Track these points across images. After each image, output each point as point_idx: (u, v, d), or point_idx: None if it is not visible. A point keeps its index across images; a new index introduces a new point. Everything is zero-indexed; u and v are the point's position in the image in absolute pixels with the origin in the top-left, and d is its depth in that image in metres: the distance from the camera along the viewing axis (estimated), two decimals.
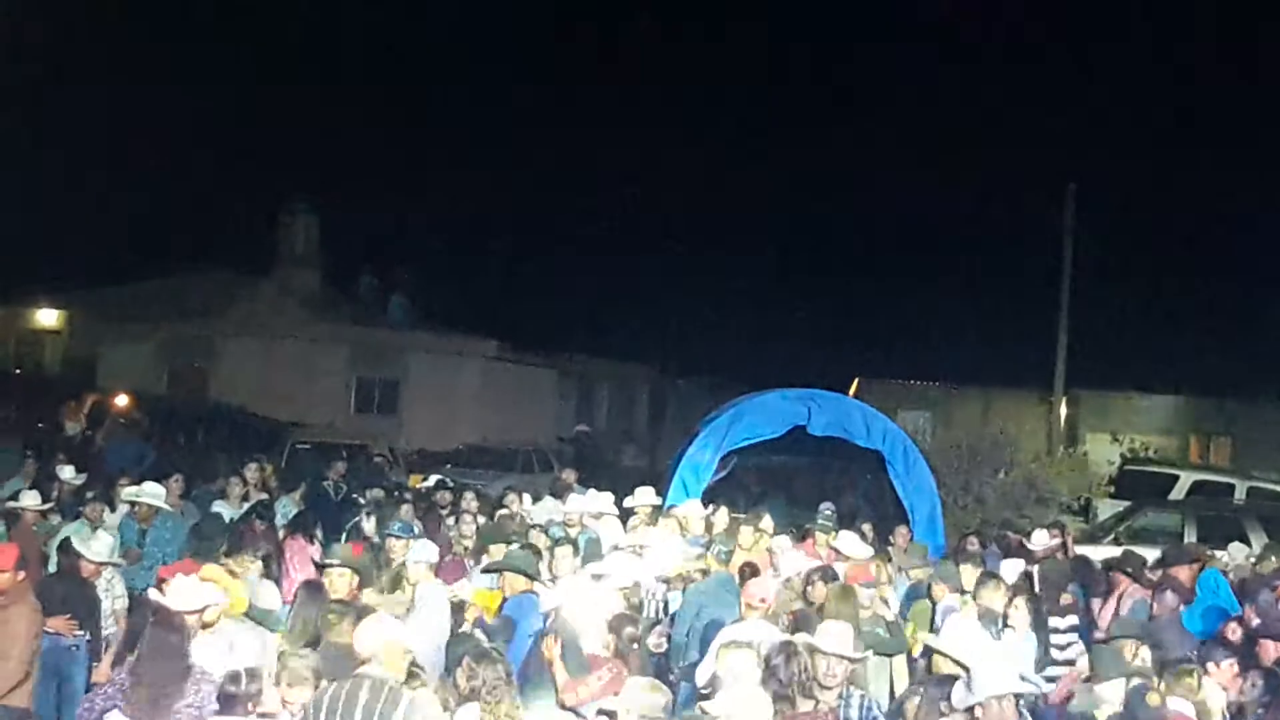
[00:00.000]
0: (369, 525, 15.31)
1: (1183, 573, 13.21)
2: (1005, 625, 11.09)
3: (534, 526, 14.65)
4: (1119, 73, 67.90)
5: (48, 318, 47.45)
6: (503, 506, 16.46)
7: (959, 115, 68.99)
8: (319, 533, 14.67)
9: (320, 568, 10.90)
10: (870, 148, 66.24)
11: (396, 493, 18.20)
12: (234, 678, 7.50)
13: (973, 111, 66.93)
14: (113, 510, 14.63)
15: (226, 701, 7.47)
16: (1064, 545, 16.49)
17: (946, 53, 72.70)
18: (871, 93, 68.24)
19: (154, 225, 51.73)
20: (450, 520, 15.43)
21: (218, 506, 15.59)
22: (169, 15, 55.52)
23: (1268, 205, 53.39)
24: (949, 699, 7.77)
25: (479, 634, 9.46)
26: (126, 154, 48.23)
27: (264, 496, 16.58)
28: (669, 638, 11.54)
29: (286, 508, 16.33)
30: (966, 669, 8.06)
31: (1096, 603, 13.74)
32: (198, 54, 56.92)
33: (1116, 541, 20.82)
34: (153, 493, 14.13)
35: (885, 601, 12.11)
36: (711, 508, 16.04)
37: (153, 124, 50.59)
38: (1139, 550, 15.50)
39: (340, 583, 10.23)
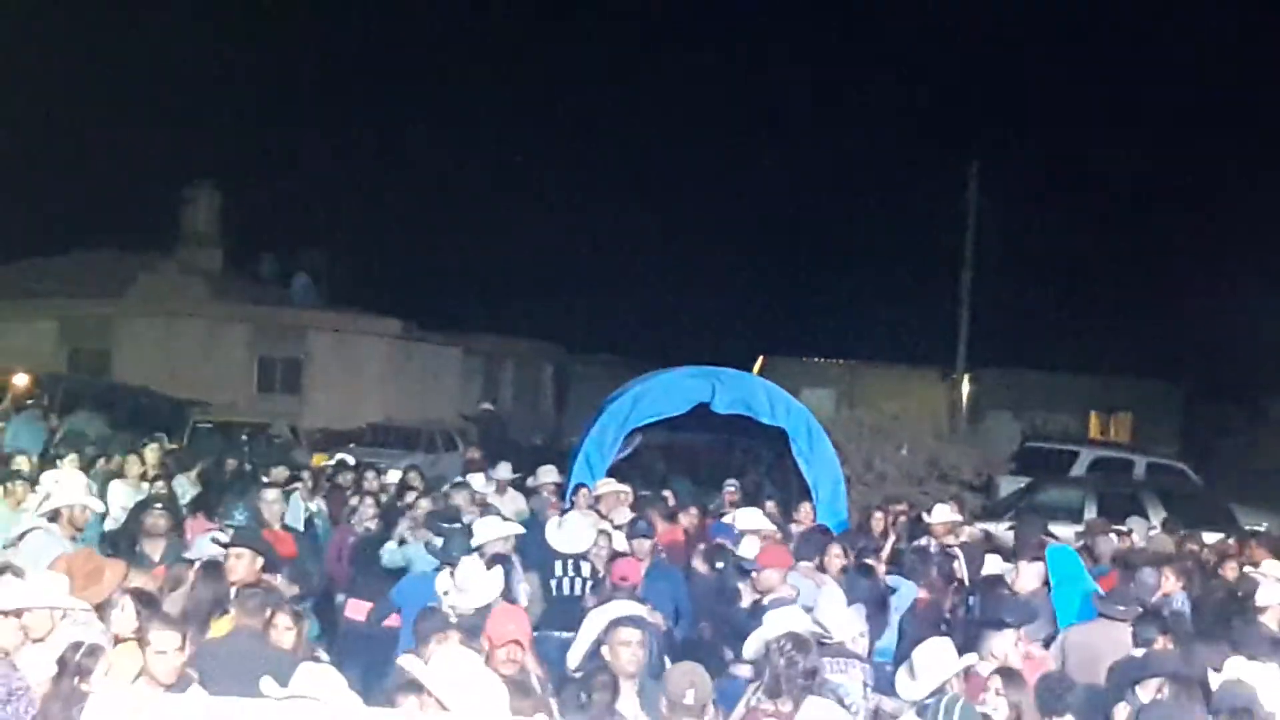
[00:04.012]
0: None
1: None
2: None
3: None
4: (1022, 51, 68.52)
5: None
6: (406, 486, 16.38)
7: (862, 93, 69.31)
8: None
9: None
10: (774, 124, 66.45)
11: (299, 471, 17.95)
12: (74, 646, 7.22)
13: (876, 89, 67.28)
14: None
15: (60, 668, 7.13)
16: (965, 521, 16.63)
17: (851, 33, 72.98)
18: (775, 70, 68.33)
19: (53, 202, 50.99)
20: (354, 500, 15.31)
21: (115, 486, 15.37)
22: None
23: (1167, 185, 54.21)
24: None
25: None
26: (24, 129, 47.43)
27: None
28: None
29: (184, 488, 16.11)
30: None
31: None
32: (100, 28, 55.91)
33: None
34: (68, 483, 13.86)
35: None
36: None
37: (52, 99, 49.82)
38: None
39: (240, 565, 9.90)
